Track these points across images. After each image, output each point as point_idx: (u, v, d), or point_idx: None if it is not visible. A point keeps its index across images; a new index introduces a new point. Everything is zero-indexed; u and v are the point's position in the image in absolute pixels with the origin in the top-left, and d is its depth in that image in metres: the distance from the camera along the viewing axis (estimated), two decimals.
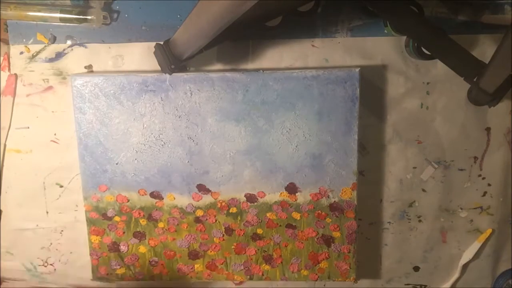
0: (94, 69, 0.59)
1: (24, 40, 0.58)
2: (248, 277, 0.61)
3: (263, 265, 0.60)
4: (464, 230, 0.63)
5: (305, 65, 0.58)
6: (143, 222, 0.60)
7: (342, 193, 0.57)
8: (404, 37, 0.57)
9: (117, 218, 0.59)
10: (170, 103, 0.56)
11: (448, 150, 0.60)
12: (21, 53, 0.59)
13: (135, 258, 0.61)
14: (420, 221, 0.63)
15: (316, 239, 0.59)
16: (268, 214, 0.59)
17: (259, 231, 0.59)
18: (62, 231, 0.64)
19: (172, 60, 0.50)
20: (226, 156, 0.57)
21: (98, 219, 0.59)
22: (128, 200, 0.59)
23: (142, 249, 0.60)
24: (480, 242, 0.63)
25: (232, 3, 0.36)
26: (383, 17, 0.56)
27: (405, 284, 0.65)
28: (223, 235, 0.60)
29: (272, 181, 0.58)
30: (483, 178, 0.61)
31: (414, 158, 0.60)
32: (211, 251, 0.60)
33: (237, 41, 0.57)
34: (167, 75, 0.55)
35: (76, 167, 0.59)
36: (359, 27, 0.57)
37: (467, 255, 0.63)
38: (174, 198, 0.59)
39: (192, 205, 0.59)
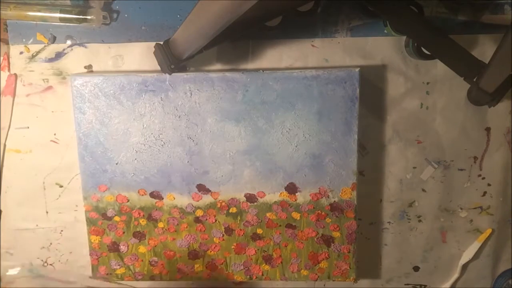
0: (94, 69, 0.59)
1: (24, 40, 0.58)
2: (248, 277, 0.61)
3: (263, 265, 0.60)
4: (464, 230, 0.63)
5: (305, 65, 0.58)
6: (143, 222, 0.60)
7: (342, 193, 0.57)
8: (404, 37, 0.57)
9: (117, 218, 0.59)
10: (170, 103, 0.56)
11: (448, 150, 0.60)
12: (21, 53, 0.59)
13: (135, 258, 0.61)
14: (420, 221, 0.63)
15: (316, 239, 0.59)
16: (268, 214, 0.59)
17: (259, 231, 0.59)
18: (62, 231, 0.64)
19: (172, 60, 0.50)
20: (226, 156, 0.57)
21: (98, 219, 0.59)
22: (128, 200, 0.59)
23: (142, 249, 0.60)
24: (480, 242, 0.63)
25: (232, 3, 0.36)
26: (383, 17, 0.56)
27: (405, 284, 0.65)
28: (223, 235, 0.60)
29: (272, 181, 0.58)
30: (483, 178, 0.61)
31: (414, 158, 0.60)
32: (211, 251, 0.60)
33: (237, 41, 0.57)
34: (167, 75, 0.55)
35: (76, 167, 0.59)
36: (359, 27, 0.57)
37: (467, 255, 0.63)
38: (174, 198, 0.59)
39: (192, 205, 0.59)
